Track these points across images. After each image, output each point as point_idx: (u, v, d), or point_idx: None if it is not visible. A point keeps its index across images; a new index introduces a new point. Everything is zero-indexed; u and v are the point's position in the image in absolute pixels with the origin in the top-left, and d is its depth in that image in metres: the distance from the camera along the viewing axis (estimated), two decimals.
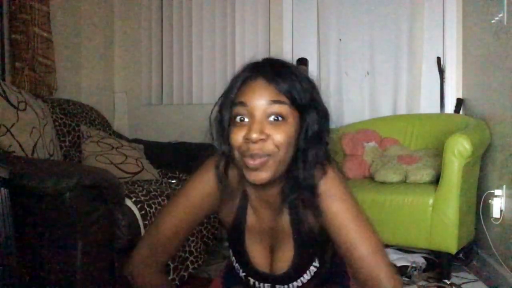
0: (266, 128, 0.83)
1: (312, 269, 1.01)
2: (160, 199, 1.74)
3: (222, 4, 3.19)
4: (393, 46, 2.91)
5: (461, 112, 2.64)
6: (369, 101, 2.97)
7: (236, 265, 1.04)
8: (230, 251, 1.05)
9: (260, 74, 0.86)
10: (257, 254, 1.01)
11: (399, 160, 2.32)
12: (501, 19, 1.98)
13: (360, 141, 2.55)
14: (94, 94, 3.16)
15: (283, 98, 0.84)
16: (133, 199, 1.65)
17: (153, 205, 1.69)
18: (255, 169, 0.83)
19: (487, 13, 2.20)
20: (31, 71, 2.45)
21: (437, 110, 2.78)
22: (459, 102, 2.65)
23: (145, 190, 1.73)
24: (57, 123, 2.26)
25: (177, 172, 2.44)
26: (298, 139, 0.87)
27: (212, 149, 0.95)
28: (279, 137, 0.83)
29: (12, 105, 1.81)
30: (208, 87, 3.23)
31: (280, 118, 0.83)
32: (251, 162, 0.83)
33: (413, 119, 2.64)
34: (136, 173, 2.26)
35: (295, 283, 1.02)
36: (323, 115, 0.89)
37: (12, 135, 1.75)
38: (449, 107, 2.73)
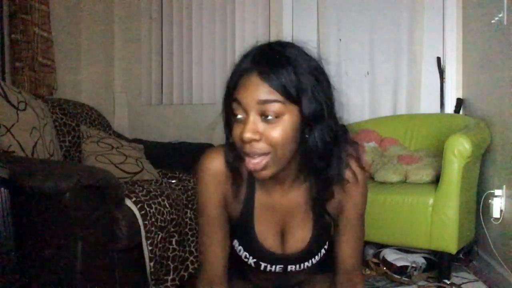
0: (259, 127, 0.82)
1: (323, 251, 1.04)
2: (160, 199, 1.74)
3: (222, 5, 3.19)
4: (393, 46, 2.91)
5: (461, 112, 2.64)
6: (369, 101, 2.97)
7: (245, 253, 1.03)
8: (236, 242, 1.04)
9: (256, 68, 0.83)
10: (268, 236, 1.00)
11: (399, 160, 2.32)
12: (501, 19, 1.98)
13: (360, 141, 2.54)
14: (94, 94, 3.16)
15: (276, 96, 0.82)
16: (133, 199, 1.65)
17: (153, 205, 1.69)
18: (254, 167, 0.84)
19: (487, 13, 2.20)
20: (31, 71, 2.45)
21: (437, 110, 2.78)
22: (459, 102, 2.65)
23: (145, 190, 1.73)
24: (57, 123, 2.26)
25: (177, 172, 2.44)
26: (302, 128, 0.85)
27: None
28: (273, 136, 0.82)
29: (12, 105, 1.80)
30: (208, 87, 3.23)
31: (273, 117, 0.82)
32: (250, 164, 0.84)
33: (413, 119, 2.64)
34: (136, 173, 2.26)
35: (306, 264, 1.03)
36: (328, 97, 0.87)
37: (12, 135, 1.75)
38: (449, 107, 2.73)
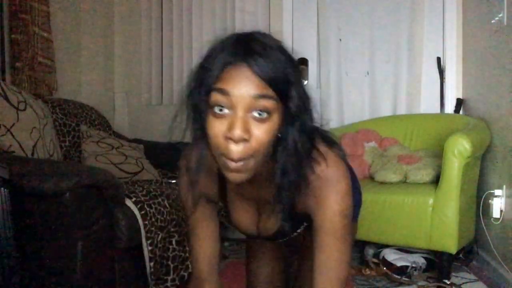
0: (249, 124, 0.74)
1: (302, 227, 1.00)
2: (160, 199, 1.74)
3: (222, 5, 3.19)
4: (393, 46, 2.91)
5: (461, 112, 2.64)
6: (369, 101, 2.97)
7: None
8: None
9: (244, 60, 0.74)
10: (243, 220, 1.03)
11: (399, 160, 2.32)
12: (501, 19, 1.98)
13: (360, 141, 2.54)
14: (94, 94, 3.16)
15: (270, 92, 0.74)
16: (133, 199, 1.65)
17: (153, 205, 1.69)
18: (236, 170, 0.76)
19: (487, 13, 2.20)
20: (31, 71, 2.45)
21: (437, 110, 2.78)
22: (459, 102, 2.65)
23: (145, 190, 1.73)
24: (57, 123, 2.26)
25: (177, 172, 2.44)
26: (280, 126, 0.78)
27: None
28: (262, 136, 0.75)
29: (12, 105, 1.80)
30: None
31: (265, 114, 0.74)
32: (232, 165, 0.75)
33: (413, 119, 2.64)
34: (136, 173, 2.26)
35: (286, 237, 1.05)
36: (304, 95, 0.80)
37: (12, 135, 1.75)
38: (449, 107, 2.73)
